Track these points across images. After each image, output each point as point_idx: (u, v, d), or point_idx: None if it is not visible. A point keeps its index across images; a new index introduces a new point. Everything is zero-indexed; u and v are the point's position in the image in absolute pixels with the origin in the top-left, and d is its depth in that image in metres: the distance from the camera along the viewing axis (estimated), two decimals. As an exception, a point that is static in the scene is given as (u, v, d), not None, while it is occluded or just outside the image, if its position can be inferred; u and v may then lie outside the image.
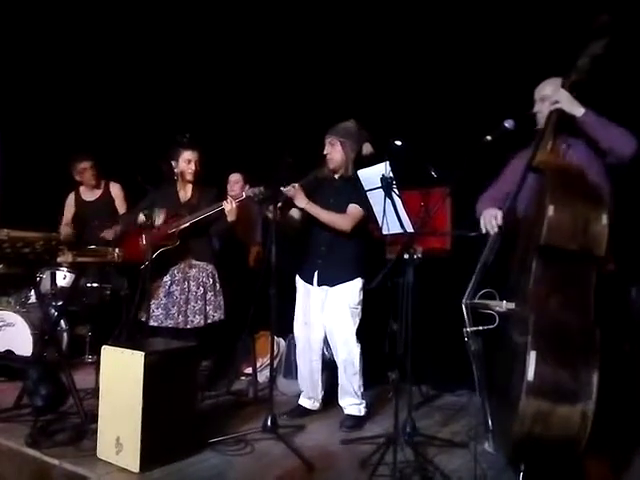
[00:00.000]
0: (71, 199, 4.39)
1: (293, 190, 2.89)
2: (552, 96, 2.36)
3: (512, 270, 2.38)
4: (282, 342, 3.74)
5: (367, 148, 3.00)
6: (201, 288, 3.37)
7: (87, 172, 4.27)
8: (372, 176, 2.67)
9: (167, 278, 3.39)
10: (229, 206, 3.15)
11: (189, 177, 3.41)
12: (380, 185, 2.59)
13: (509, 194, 2.41)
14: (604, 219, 2.01)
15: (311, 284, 3.07)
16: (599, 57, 2.29)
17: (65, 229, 4.24)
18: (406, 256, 2.55)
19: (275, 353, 3.35)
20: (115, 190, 4.35)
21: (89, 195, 4.37)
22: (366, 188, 2.75)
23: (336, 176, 3.08)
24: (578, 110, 2.28)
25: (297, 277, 3.15)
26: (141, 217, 3.34)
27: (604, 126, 2.25)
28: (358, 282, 2.99)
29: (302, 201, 2.92)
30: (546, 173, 2.19)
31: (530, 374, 1.94)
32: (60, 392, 2.77)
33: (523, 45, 3.26)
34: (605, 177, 2.31)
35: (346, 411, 3.03)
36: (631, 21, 2.81)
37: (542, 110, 2.46)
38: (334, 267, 2.99)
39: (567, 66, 2.36)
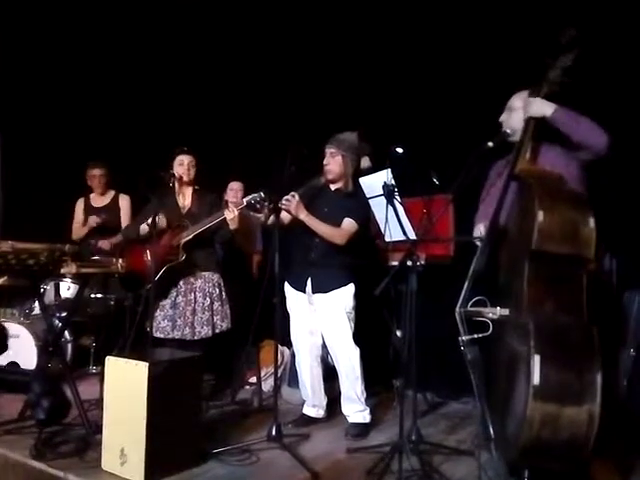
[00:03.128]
0: (80, 204, 4.48)
1: (293, 201, 2.89)
2: (524, 108, 2.43)
3: (501, 276, 2.40)
4: (286, 351, 3.73)
5: (365, 162, 3.02)
6: (208, 299, 3.37)
7: (96, 179, 4.40)
8: (374, 184, 2.68)
9: (173, 290, 3.39)
10: (231, 214, 3.15)
11: (185, 179, 3.42)
12: (382, 193, 2.60)
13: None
14: (591, 222, 2.06)
15: (303, 291, 3.06)
16: (569, 69, 2.35)
17: (81, 230, 4.35)
18: (409, 263, 2.56)
19: (279, 362, 3.34)
20: (123, 202, 4.44)
21: (97, 201, 4.47)
22: (368, 196, 2.76)
23: (332, 187, 3.09)
24: (547, 110, 2.34)
25: (286, 285, 3.13)
26: (144, 227, 3.34)
27: (573, 120, 2.30)
28: (351, 287, 3.00)
29: (302, 213, 2.93)
30: (529, 181, 2.23)
31: (536, 378, 1.94)
32: (62, 405, 2.77)
33: (524, 51, 3.26)
34: (580, 179, 2.36)
35: (350, 419, 3.02)
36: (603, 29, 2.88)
37: (506, 120, 2.55)
38: (327, 274, 2.99)
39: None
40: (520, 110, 2.49)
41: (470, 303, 2.33)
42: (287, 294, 3.13)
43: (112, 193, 4.47)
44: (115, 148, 4.83)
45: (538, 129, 2.39)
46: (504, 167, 2.49)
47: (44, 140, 4.99)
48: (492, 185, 2.57)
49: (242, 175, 4.16)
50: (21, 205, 4.84)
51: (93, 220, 4.27)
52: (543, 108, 2.35)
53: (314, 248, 3.02)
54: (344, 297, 2.99)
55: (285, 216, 3.02)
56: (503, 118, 2.57)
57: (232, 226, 3.18)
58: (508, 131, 2.48)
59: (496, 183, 2.54)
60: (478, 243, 2.50)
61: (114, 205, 4.43)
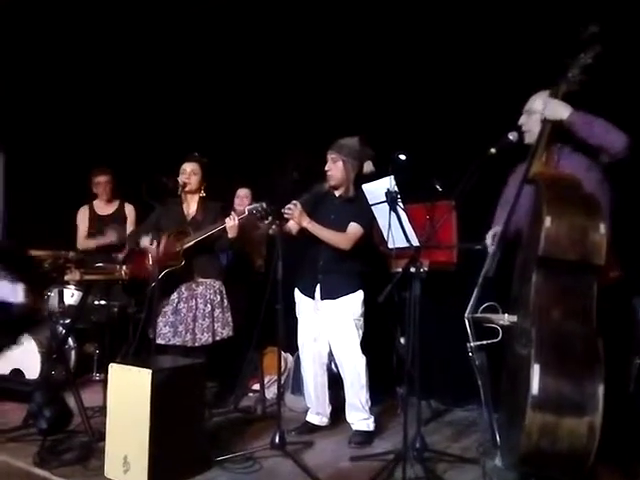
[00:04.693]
0: (84, 212, 4.46)
1: (295, 210, 2.89)
2: (542, 110, 2.38)
3: (514, 282, 2.37)
4: (290, 358, 3.72)
5: (368, 166, 3.01)
6: (209, 305, 3.36)
7: (101, 186, 4.40)
8: (377, 190, 2.68)
9: (174, 296, 3.38)
10: (231, 222, 3.15)
11: (187, 187, 3.42)
12: (385, 199, 2.60)
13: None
14: (602, 228, 2.01)
15: (312, 298, 3.06)
16: (590, 67, 2.30)
17: (86, 242, 4.33)
18: (412, 270, 2.55)
19: (283, 369, 3.34)
20: (129, 210, 4.46)
21: (102, 209, 4.46)
22: (371, 202, 2.76)
23: (336, 193, 3.09)
24: (564, 113, 2.29)
25: (296, 291, 3.14)
26: (144, 241, 3.38)
27: (591, 123, 2.25)
28: (360, 294, 2.99)
29: (304, 220, 2.93)
30: (541, 184, 2.19)
31: (534, 387, 1.92)
32: (64, 414, 2.77)
33: (528, 56, 3.27)
34: (602, 183, 2.31)
35: (354, 427, 3.00)
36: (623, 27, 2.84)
37: (527, 123, 2.49)
38: (336, 280, 2.99)
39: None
40: (540, 112, 2.42)
41: (481, 309, 2.31)
42: (297, 300, 3.13)
43: (117, 202, 4.47)
44: (120, 156, 4.85)
45: (556, 131, 2.34)
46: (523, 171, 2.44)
47: (48, 146, 5.02)
48: (510, 189, 2.53)
49: (251, 182, 4.17)
50: (26, 212, 4.86)
51: (110, 237, 4.25)
52: (559, 111, 2.30)
53: (321, 255, 3.02)
54: (353, 304, 2.98)
55: (293, 226, 3.02)
56: (522, 121, 2.52)
57: (231, 234, 3.18)
58: (510, 137, 2.47)
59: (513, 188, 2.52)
60: (479, 247, 2.49)
61: (120, 214, 4.44)
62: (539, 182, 2.23)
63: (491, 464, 2.43)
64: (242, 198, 4.03)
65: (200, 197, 3.50)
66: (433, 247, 3.17)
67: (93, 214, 4.44)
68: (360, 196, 2.90)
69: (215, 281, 3.43)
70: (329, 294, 3.00)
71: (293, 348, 3.44)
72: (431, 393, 3.49)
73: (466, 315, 2.34)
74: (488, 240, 2.56)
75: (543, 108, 2.37)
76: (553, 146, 2.39)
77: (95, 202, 4.47)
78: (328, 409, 3.15)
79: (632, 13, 3.01)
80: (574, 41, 2.33)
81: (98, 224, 4.38)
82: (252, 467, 2.57)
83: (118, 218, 4.42)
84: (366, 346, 3.02)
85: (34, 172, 4.96)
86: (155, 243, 3.09)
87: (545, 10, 3.29)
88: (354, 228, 2.97)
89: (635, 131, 2.27)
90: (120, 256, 4.05)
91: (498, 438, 2.37)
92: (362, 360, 2.97)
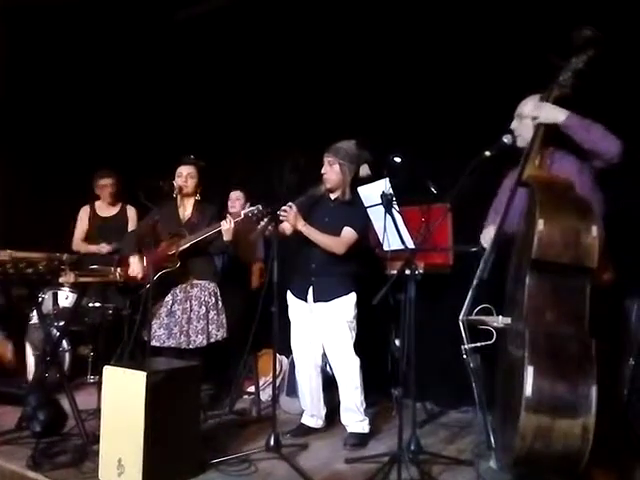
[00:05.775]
0: (85, 212, 4.42)
1: (291, 213, 2.89)
2: (533, 113, 2.39)
3: (508, 284, 2.39)
4: (285, 360, 3.72)
5: (364, 170, 3.01)
6: (203, 307, 3.36)
7: (106, 189, 4.36)
8: (372, 193, 2.69)
9: (169, 298, 3.38)
10: (227, 225, 3.16)
11: (184, 191, 3.43)
12: (380, 202, 2.61)
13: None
14: (594, 231, 2.02)
15: (305, 300, 3.06)
16: (582, 72, 2.31)
17: (82, 245, 4.30)
18: (407, 272, 2.56)
19: (278, 371, 3.33)
20: (131, 213, 4.42)
21: (104, 211, 4.42)
22: (366, 205, 2.77)
23: (332, 196, 3.09)
24: (559, 116, 2.29)
25: (289, 294, 3.13)
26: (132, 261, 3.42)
27: (587, 128, 2.25)
28: (353, 296, 2.99)
29: (299, 223, 2.93)
30: (534, 187, 2.20)
31: (528, 390, 1.93)
32: (58, 417, 2.75)
33: (522, 60, 3.28)
34: (593, 187, 2.33)
35: (349, 429, 3.00)
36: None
37: (518, 127, 2.50)
38: (328, 283, 2.99)
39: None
40: (530, 117, 2.42)
41: (475, 311, 2.32)
42: (289, 302, 3.13)
43: (119, 205, 4.42)
44: (116, 158, 4.84)
45: (549, 135, 2.35)
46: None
47: (45, 147, 5.00)
48: (504, 192, 2.55)
49: (246, 185, 4.17)
50: (22, 213, 4.84)
51: (105, 248, 4.19)
52: (555, 114, 2.30)
53: (314, 258, 3.02)
54: (345, 306, 2.98)
55: (287, 227, 3.02)
56: (514, 126, 2.52)
57: (226, 237, 3.19)
58: (505, 140, 2.48)
59: (504, 190, 2.53)
60: (474, 249, 2.50)
61: (123, 216, 4.40)
62: (532, 185, 2.25)
63: (486, 466, 2.44)
64: (234, 201, 4.03)
65: (196, 200, 3.51)
66: (428, 249, 3.18)
67: (94, 214, 4.40)
68: (356, 200, 2.91)
69: (210, 283, 3.43)
70: (321, 297, 3.00)
71: (288, 350, 3.44)
72: (426, 395, 3.50)
73: (460, 317, 2.35)
74: (483, 239, 2.56)
75: (533, 112, 2.38)
76: (546, 149, 2.40)
77: (97, 203, 4.42)
78: (323, 411, 3.15)
79: (627, 17, 3.04)
80: (567, 45, 2.34)
81: (99, 226, 4.35)
82: (247, 469, 2.56)
83: (120, 220, 4.39)
84: (361, 348, 3.03)
85: (30, 173, 4.94)
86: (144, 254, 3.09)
87: (539, 13, 3.31)
88: (348, 233, 2.97)
89: (628, 135, 2.28)
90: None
91: (493, 440, 2.37)
92: (356, 362, 2.98)
